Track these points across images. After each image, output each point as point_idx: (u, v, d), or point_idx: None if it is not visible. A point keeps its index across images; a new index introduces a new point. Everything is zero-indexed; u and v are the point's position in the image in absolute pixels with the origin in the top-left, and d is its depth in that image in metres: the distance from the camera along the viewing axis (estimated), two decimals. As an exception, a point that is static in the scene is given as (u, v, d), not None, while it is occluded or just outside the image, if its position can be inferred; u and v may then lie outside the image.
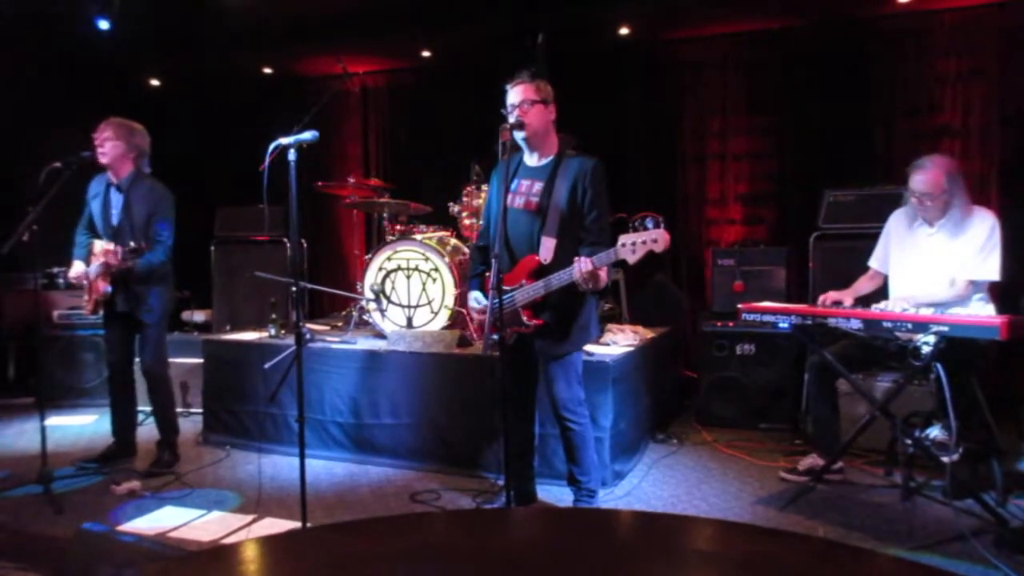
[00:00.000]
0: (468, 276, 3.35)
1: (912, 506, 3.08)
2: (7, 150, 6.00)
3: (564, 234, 2.95)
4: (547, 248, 2.94)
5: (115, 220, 3.92)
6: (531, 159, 3.11)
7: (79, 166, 3.66)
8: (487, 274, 3.02)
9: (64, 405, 5.34)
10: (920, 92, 5.18)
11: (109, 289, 3.86)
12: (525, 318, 2.99)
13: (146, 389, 4.11)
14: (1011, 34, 4.90)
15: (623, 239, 2.68)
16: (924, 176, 3.33)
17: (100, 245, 3.87)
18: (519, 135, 3.03)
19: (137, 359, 4.12)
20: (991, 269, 3.26)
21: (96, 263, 3.84)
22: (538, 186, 3.02)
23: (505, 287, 2.96)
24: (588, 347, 3.70)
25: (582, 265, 2.76)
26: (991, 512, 3.04)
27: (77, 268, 3.96)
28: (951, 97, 5.11)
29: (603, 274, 2.79)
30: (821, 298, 3.51)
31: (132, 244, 3.64)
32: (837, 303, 3.46)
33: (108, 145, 3.84)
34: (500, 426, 3.03)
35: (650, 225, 2.67)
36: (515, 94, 3.01)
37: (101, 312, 3.98)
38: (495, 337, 2.86)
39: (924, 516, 3.19)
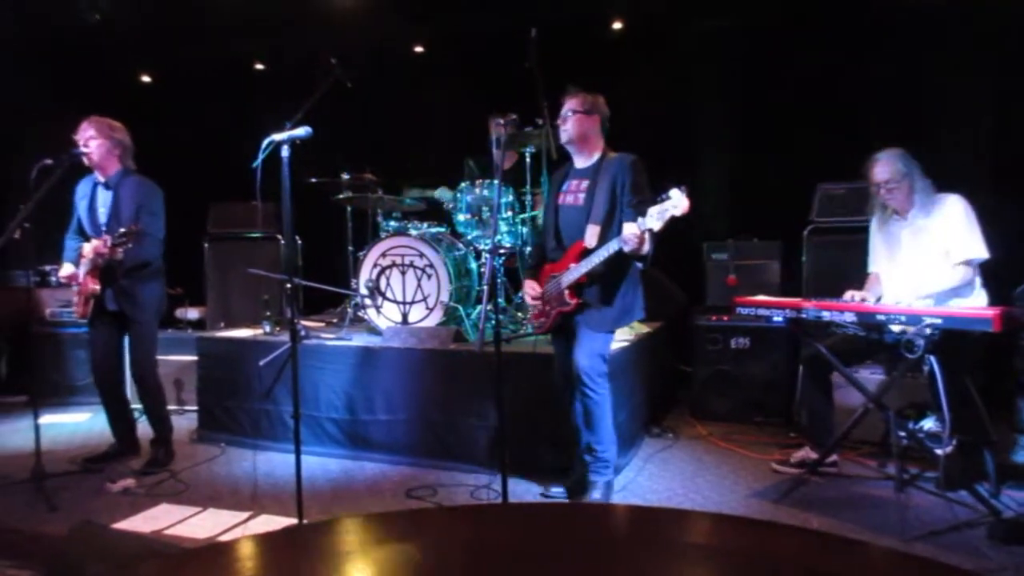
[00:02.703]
0: (527, 267, 3.79)
1: (906, 498, 3.09)
2: (-2, 147, 5.96)
3: (607, 221, 3.25)
4: (592, 233, 3.24)
5: (103, 218, 3.90)
6: (579, 161, 3.48)
7: (71, 163, 3.64)
8: (542, 267, 3.49)
9: (57, 403, 5.33)
10: (912, 84, 5.18)
11: (98, 287, 3.83)
12: (567, 296, 3.26)
13: (135, 389, 4.10)
14: (1002, 24, 4.90)
15: (650, 210, 2.91)
16: (880, 166, 3.46)
17: (89, 247, 3.85)
18: (562, 139, 3.44)
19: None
20: (980, 247, 3.28)
21: (84, 262, 3.82)
22: (585, 184, 3.38)
23: (555, 273, 3.36)
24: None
25: (625, 232, 2.97)
26: (984, 503, 3.06)
27: (67, 269, 3.93)
28: (943, 89, 5.11)
29: (645, 238, 2.97)
30: (847, 295, 3.49)
31: (122, 229, 3.61)
32: (863, 300, 3.46)
33: (93, 144, 3.82)
34: (496, 422, 3.04)
35: (672, 194, 2.87)
36: (565, 104, 3.39)
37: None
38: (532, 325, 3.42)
39: (918, 507, 3.21)
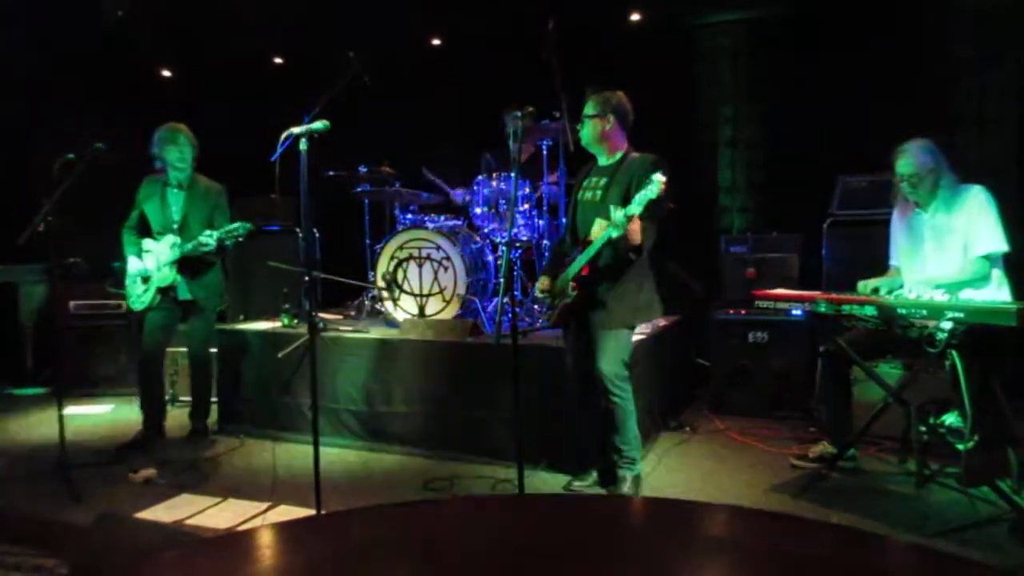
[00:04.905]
0: (547, 263, 3.85)
1: (927, 493, 3.06)
2: (22, 143, 6.03)
3: None
4: (599, 227, 3.21)
5: (177, 215, 4.15)
6: (602, 160, 3.49)
7: (93, 157, 3.69)
8: (561, 263, 3.47)
9: (81, 394, 5.41)
10: (936, 78, 5.10)
11: (179, 277, 4.10)
12: (570, 287, 3.30)
13: (193, 370, 4.35)
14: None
15: (635, 197, 2.98)
16: (907, 159, 3.37)
17: (151, 243, 4.11)
18: (582, 143, 3.49)
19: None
20: (1000, 239, 3.23)
21: (156, 259, 4.07)
22: (603, 181, 3.40)
23: (568, 267, 3.37)
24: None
25: (612, 217, 3.03)
26: (1007, 500, 3.02)
27: (134, 264, 4.15)
28: (967, 82, 5.03)
29: (635, 226, 3.04)
30: (861, 285, 3.47)
31: (233, 227, 3.92)
32: (876, 290, 3.43)
33: (188, 152, 4.15)
34: (513, 414, 3.05)
35: (653, 178, 2.92)
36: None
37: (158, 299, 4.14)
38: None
39: (939, 503, 3.18)
